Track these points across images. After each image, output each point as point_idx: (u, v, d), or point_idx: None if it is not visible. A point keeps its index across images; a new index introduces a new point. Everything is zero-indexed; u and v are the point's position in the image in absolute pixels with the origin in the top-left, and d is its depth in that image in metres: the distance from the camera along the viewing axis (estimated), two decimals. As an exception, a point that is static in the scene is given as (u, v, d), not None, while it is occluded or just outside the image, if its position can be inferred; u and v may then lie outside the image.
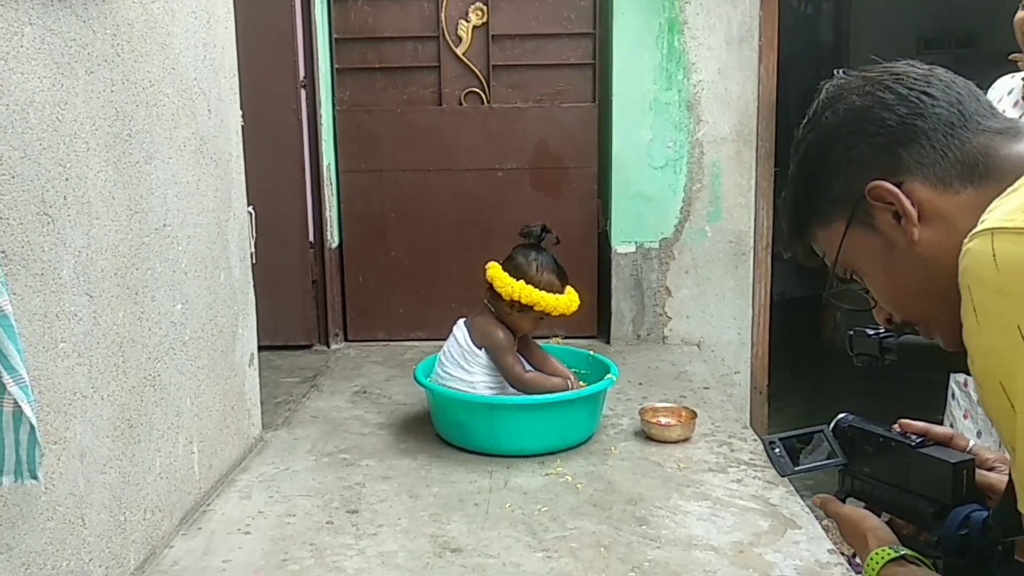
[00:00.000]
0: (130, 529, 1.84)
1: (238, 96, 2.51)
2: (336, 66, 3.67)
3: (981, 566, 0.90)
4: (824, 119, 0.91)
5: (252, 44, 3.02)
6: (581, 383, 2.65)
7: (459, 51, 3.64)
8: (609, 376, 2.62)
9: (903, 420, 1.04)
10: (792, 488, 2.28)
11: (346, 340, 3.84)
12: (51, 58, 1.54)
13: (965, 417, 2.14)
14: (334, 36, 3.65)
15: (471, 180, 3.72)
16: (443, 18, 3.62)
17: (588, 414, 2.60)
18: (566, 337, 3.56)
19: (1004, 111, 2.30)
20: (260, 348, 2.76)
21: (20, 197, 1.45)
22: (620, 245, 3.68)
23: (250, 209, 2.61)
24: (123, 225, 1.80)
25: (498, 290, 2.57)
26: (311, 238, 3.69)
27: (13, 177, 1.43)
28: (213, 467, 2.30)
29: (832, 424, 1.10)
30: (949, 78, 0.88)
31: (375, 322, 3.83)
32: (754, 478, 2.33)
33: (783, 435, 1.12)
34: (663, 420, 2.68)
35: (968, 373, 0.75)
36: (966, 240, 0.73)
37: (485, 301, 2.66)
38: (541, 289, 2.56)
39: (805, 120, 0.94)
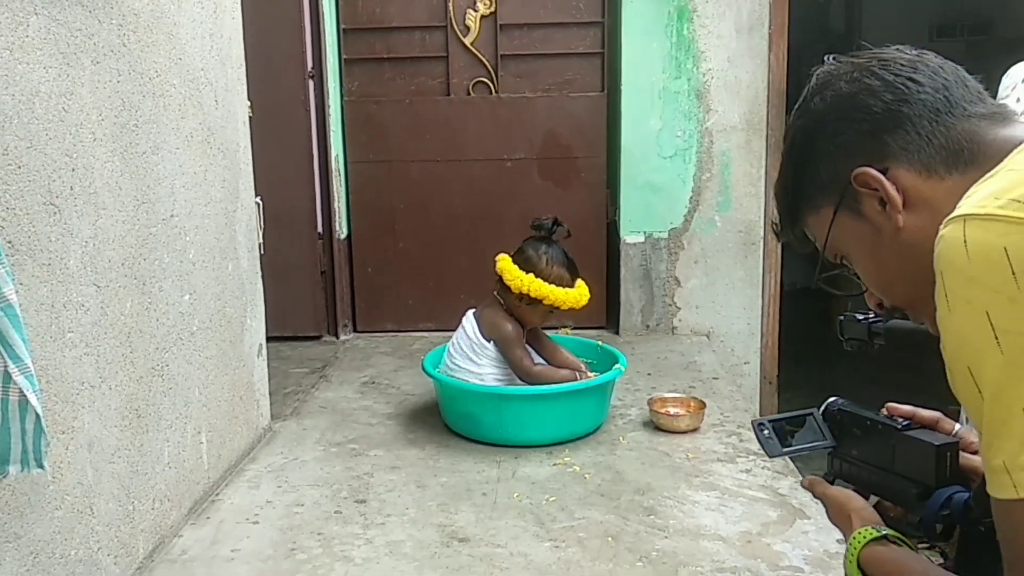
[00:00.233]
0: (139, 518, 1.85)
1: (245, 86, 2.51)
2: (344, 56, 3.66)
3: (964, 547, 0.91)
4: (812, 105, 0.92)
5: (260, 35, 3.02)
6: (591, 373, 2.65)
7: (467, 41, 3.63)
8: (617, 366, 2.61)
9: (890, 404, 1.06)
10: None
11: (355, 331, 3.84)
12: (57, 48, 1.54)
13: None
14: (342, 26, 3.64)
15: (479, 170, 3.71)
16: (451, 7, 3.60)
17: (596, 404, 2.60)
18: (575, 327, 3.55)
19: (1020, 99, 2.28)
20: (269, 339, 2.77)
21: (26, 187, 1.45)
22: (629, 235, 3.66)
23: (258, 200, 2.61)
24: (130, 215, 1.81)
25: (507, 283, 2.57)
26: (320, 229, 3.69)
27: (19, 167, 1.43)
28: (222, 457, 2.31)
29: (822, 407, 1.12)
30: (937, 64, 0.88)
31: (384, 313, 3.83)
32: (763, 468, 2.32)
33: (773, 417, 1.13)
34: (672, 410, 2.67)
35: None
36: (941, 226, 0.74)
37: (494, 293, 2.66)
38: (551, 283, 2.55)
39: (796, 106, 0.95)
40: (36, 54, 1.48)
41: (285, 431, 2.69)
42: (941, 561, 0.97)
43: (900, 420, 1.02)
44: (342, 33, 3.64)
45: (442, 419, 2.68)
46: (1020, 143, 0.80)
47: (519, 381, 2.62)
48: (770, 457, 1.12)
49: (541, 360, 2.69)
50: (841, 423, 1.09)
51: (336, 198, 3.69)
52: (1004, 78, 2.39)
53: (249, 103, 2.56)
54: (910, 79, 0.86)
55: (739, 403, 2.88)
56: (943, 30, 5.72)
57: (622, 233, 3.66)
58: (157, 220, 1.93)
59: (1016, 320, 0.68)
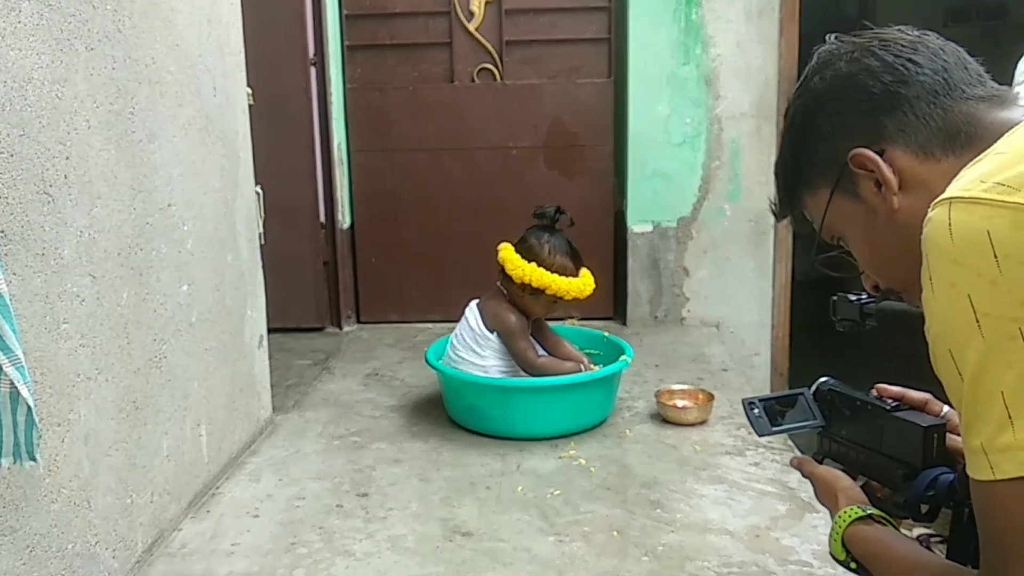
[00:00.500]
0: (137, 512, 1.82)
1: (244, 74, 2.47)
2: (346, 43, 3.62)
3: (956, 529, 0.92)
4: (812, 85, 0.92)
5: (261, 21, 2.98)
6: (595, 366, 2.61)
7: (471, 27, 3.58)
8: (624, 358, 2.57)
9: (880, 384, 1.06)
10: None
11: (358, 322, 3.81)
12: (50, 34, 1.50)
13: None
14: (344, 13, 3.59)
15: (484, 159, 3.67)
16: (455, -6, 3.56)
17: (602, 396, 2.56)
18: (582, 318, 3.52)
19: None
20: (272, 330, 2.74)
21: (19, 176, 1.42)
22: (637, 225, 3.62)
23: (258, 189, 2.58)
24: (126, 204, 1.77)
25: (509, 272, 2.53)
26: (322, 219, 3.66)
27: (12, 155, 1.40)
28: (222, 450, 2.28)
29: (813, 388, 1.13)
30: (937, 45, 0.88)
31: (387, 304, 3.80)
32: (772, 461, 2.29)
33: (763, 397, 1.15)
34: (680, 403, 2.64)
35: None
36: (930, 208, 0.74)
37: (498, 283, 2.62)
38: (553, 272, 2.51)
39: (797, 85, 0.96)
40: (28, 40, 1.44)
41: (287, 423, 2.66)
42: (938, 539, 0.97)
43: (889, 401, 1.03)
44: (344, 19, 3.60)
45: (446, 412, 2.65)
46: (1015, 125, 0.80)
47: (523, 373, 2.59)
48: (759, 436, 1.14)
49: (544, 352, 2.65)
50: (831, 403, 1.10)
51: (339, 187, 3.65)
52: (1020, 63, 2.34)
53: (250, 91, 2.52)
54: (910, 60, 0.86)
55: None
56: (957, 15, 5.63)
57: (630, 223, 3.62)
58: (154, 209, 1.90)
59: (996, 304, 0.69)
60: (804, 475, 1.12)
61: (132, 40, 1.79)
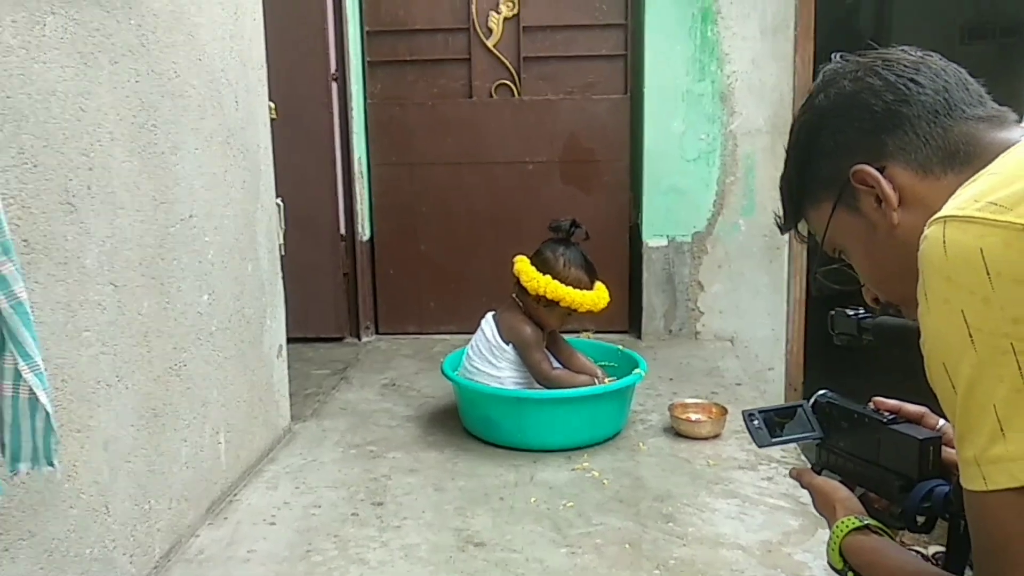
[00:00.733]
0: (155, 518, 1.85)
1: (266, 88, 2.51)
2: (367, 59, 3.67)
3: (953, 541, 0.93)
4: (817, 102, 0.95)
5: (283, 37, 3.03)
6: (609, 379, 2.62)
7: (490, 43, 3.62)
8: (637, 371, 2.58)
9: (877, 397, 1.08)
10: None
11: (377, 333, 3.84)
12: (74, 48, 1.55)
13: None
14: (365, 29, 3.65)
15: (502, 173, 3.70)
16: (474, 10, 3.60)
17: (616, 409, 2.57)
18: (596, 332, 3.53)
19: None
20: (291, 340, 2.77)
21: (43, 186, 1.46)
22: (652, 239, 3.63)
23: (279, 201, 2.62)
24: (148, 215, 1.81)
25: (524, 284, 2.55)
26: (342, 231, 3.70)
27: (36, 166, 1.44)
28: (240, 458, 2.31)
29: (812, 400, 1.14)
30: (940, 66, 0.90)
31: (405, 315, 3.83)
32: (785, 476, 2.28)
33: (763, 408, 1.16)
34: (693, 416, 2.64)
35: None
36: (926, 226, 0.76)
37: (513, 295, 2.64)
38: (568, 284, 2.52)
39: (803, 102, 0.99)
40: (53, 53, 1.48)
41: (305, 432, 2.69)
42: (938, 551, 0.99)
43: (886, 414, 1.05)
44: (365, 35, 3.65)
45: (461, 422, 2.67)
46: (1012, 146, 0.82)
47: (537, 384, 2.60)
48: (759, 447, 1.15)
49: (559, 364, 2.66)
50: (829, 416, 1.12)
51: (359, 200, 3.69)
52: None
53: (273, 105, 2.57)
54: (912, 80, 0.88)
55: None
56: (975, 32, 5.60)
57: (645, 237, 3.63)
58: (176, 220, 1.93)
59: (989, 320, 0.70)
60: (803, 486, 1.13)
61: (155, 54, 1.84)
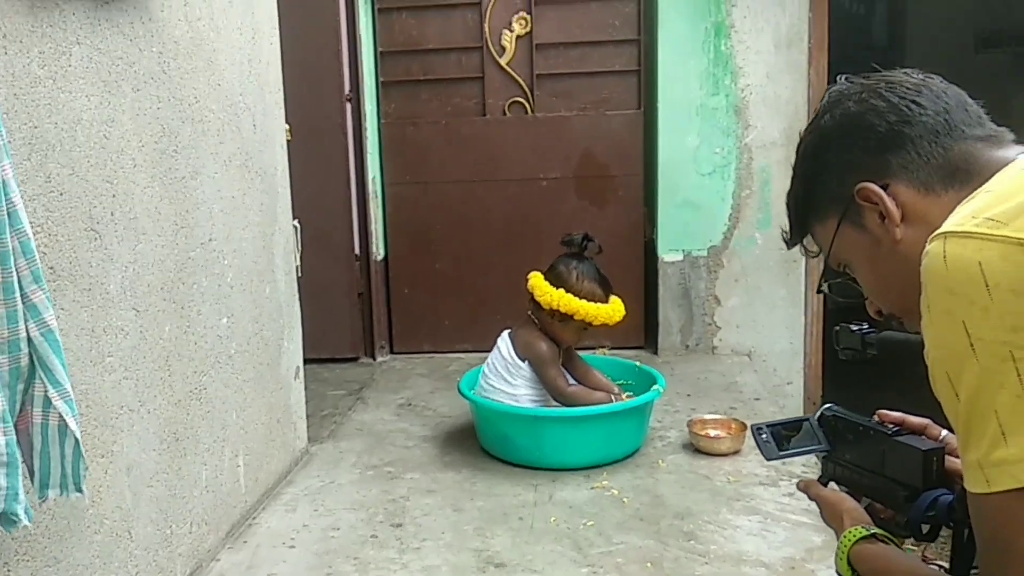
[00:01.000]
0: (176, 542, 1.85)
1: (283, 111, 2.53)
2: (381, 79, 3.69)
3: (958, 548, 0.95)
4: (823, 122, 0.99)
5: (298, 59, 3.05)
6: (625, 395, 2.61)
7: (503, 61, 3.64)
8: (655, 387, 2.57)
9: (881, 410, 1.11)
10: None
11: (392, 352, 3.84)
12: (99, 77, 1.57)
13: None
14: (379, 49, 3.67)
15: (516, 190, 3.70)
16: (487, 28, 3.62)
17: (634, 426, 2.56)
18: (613, 348, 3.52)
19: None
20: (307, 361, 2.78)
21: (68, 213, 1.48)
22: (667, 254, 3.62)
23: (295, 223, 2.63)
24: (169, 240, 1.83)
25: (538, 299, 2.55)
26: (357, 251, 3.71)
27: (61, 194, 1.46)
28: (259, 480, 2.31)
29: (818, 414, 1.17)
30: (940, 88, 0.94)
31: (421, 334, 3.83)
32: (807, 493, 2.26)
33: (771, 422, 1.19)
34: (712, 432, 2.63)
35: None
36: (927, 242, 0.79)
37: (528, 312, 2.64)
38: (581, 298, 2.52)
39: (809, 122, 1.02)
40: (78, 83, 1.50)
41: (322, 454, 2.69)
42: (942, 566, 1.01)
43: (890, 426, 1.08)
44: (379, 56, 3.67)
45: (478, 442, 2.66)
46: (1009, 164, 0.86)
47: (554, 402, 2.60)
48: (767, 460, 1.18)
49: (575, 381, 2.66)
50: (835, 428, 1.14)
51: (373, 219, 3.71)
52: None
53: (287, 127, 2.59)
54: (914, 102, 0.92)
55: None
56: (989, 41, 5.59)
57: (660, 251, 3.63)
58: (196, 244, 1.95)
59: (989, 329, 0.74)
60: (810, 497, 1.16)
61: (176, 80, 1.86)
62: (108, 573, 1.59)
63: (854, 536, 1.02)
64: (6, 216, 1.11)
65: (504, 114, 3.68)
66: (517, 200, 3.70)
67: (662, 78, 3.51)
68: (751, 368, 3.51)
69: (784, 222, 1.07)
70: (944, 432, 1.07)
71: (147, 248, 1.73)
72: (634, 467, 2.48)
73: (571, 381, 2.64)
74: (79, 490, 1.27)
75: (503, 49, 3.63)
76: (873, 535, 1.01)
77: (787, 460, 2.04)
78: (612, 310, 2.57)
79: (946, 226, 0.80)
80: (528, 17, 3.60)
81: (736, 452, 2.55)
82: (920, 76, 0.96)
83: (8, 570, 1.34)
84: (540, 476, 2.42)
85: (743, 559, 1.94)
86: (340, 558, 2.01)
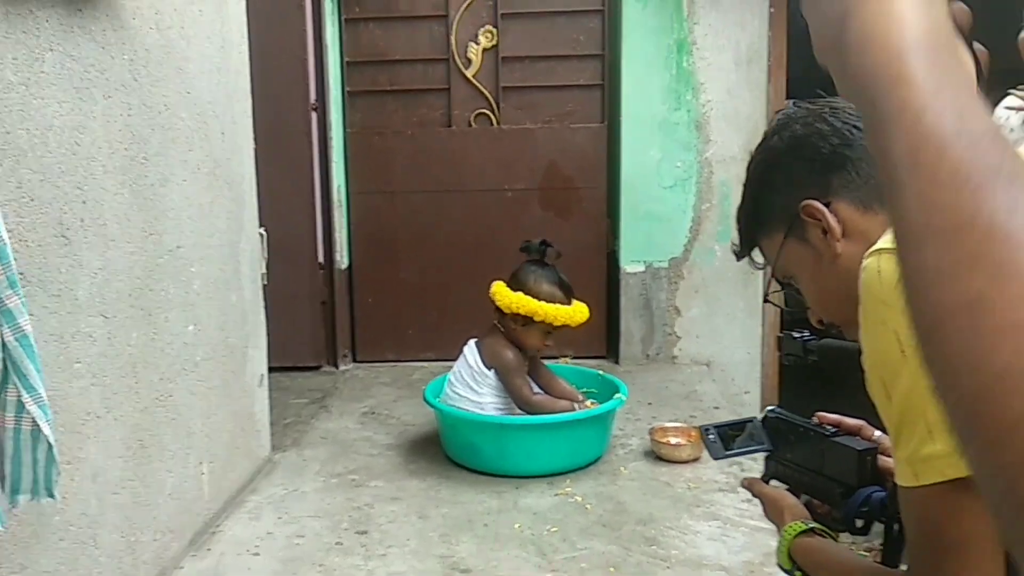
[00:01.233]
0: (140, 550, 1.85)
1: (251, 120, 2.54)
2: (347, 89, 3.70)
3: (889, 541, 1.01)
4: (771, 143, 1.06)
5: (264, 68, 3.05)
6: (588, 403, 2.65)
7: (469, 73, 3.68)
8: (618, 396, 2.62)
9: (820, 413, 1.17)
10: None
11: (355, 361, 3.84)
12: (71, 83, 1.57)
13: None
14: (345, 59, 3.68)
15: (481, 201, 3.74)
16: (453, 40, 3.65)
17: (597, 434, 2.60)
18: (575, 357, 3.56)
19: (1012, 128, 2.33)
20: (270, 369, 2.77)
21: (39, 220, 1.48)
22: (629, 265, 3.69)
23: (262, 231, 2.63)
24: (138, 247, 1.82)
25: (499, 305, 2.58)
26: (321, 259, 3.71)
27: (32, 200, 1.46)
28: (223, 488, 2.31)
29: (762, 416, 1.23)
30: None
31: (384, 343, 3.83)
32: (765, 499, 2.32)
33: (718, 424, 1.25)
34: (673, 440, 2.68)
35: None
36: (864, 257, 0.85)
37: (495, 321, 2.67)
38: (540, 299, 2.55)
39: (759, 143, 1.09)
40: (51, 89, 1.50)
41: (285, 462, 2.69)
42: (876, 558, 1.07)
43: (828, 427, 1.13)
44: (345, 66, 3.69)
45: (443, 449, 2.68)
46: None
47: (519, 410, 2.63)
48: (714, 459, 1.24)
49: (539, 390, 2.69)
50: (778, 430, 1.20)
51: (337, 228, 3.71)
52: (998, 108, 2.44)
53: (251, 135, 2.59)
54: (855, 126, 0.98)
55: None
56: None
57: (622, 263, 3.69)
58: (164, 251, 1.95)
59: None
60: (754, 494, 1.22)
61: (147, 88, 1.86)
62: (73, 580, 1.59)
63: (794, 530, 1.07)
64: (-18, 222, 1.11)
65: (470, 125, 3.72)
66: (482, 211, 3.74)
67: (625, 93, 3.58)
68: (710, 377, 3.58)
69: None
70: (878, 433, 1.13)
71: (116, 255, 1.73)
72: (597, 474, 2.53)
73: (536, 389, 2.67)
74: (51, 495, 1.27)
75: (469, 61, 3.67)
76: (812, 529, 1.06)
77: (743, 465, 2.09)
78: (573, 311, 2.60)
79: (881, 243, 0.84)
80: (494, 30, 3.65)
81: (696, 459, 2.60)
82: None
83: (-26, 577, 1.34)
84: (504, 483, 2.45)
85: (703, 564, 1.99)
86: (305, 565, 2.01)
